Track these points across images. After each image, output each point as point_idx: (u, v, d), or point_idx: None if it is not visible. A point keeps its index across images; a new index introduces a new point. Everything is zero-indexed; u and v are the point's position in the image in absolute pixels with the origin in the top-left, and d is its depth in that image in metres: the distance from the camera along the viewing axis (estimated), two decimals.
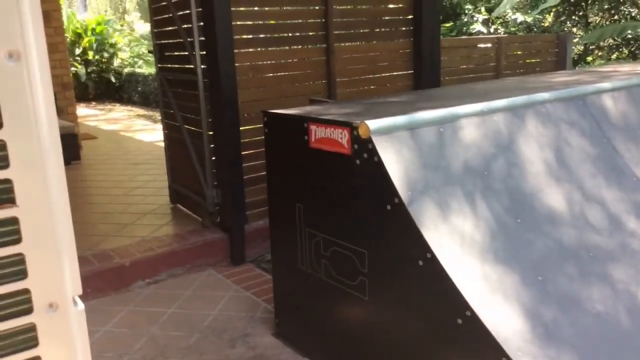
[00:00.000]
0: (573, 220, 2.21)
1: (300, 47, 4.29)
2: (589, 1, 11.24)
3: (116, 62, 13.71)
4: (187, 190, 4.38)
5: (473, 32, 11.43)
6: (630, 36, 10.26)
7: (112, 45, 13.64)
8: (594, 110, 2.74)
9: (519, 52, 7.00)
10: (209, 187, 3.92)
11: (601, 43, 10.75)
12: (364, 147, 2.09)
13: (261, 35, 4.09)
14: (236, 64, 3.81)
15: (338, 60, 4.41)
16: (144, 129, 9.20)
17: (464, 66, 6.37)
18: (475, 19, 11.82)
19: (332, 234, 2.37)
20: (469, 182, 2.12)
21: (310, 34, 4.31)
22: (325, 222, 2.42)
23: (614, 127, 2.75)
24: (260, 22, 4.09)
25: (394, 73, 4.82)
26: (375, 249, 2.16)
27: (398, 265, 2.06)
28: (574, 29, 11.68)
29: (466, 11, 12.00)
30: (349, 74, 4.54)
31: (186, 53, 3.98)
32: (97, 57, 13.22)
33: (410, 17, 4.76)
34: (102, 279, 3.43)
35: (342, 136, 2.21)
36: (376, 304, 2.21)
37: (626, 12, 11.18)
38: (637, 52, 10.54)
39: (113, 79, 13.31)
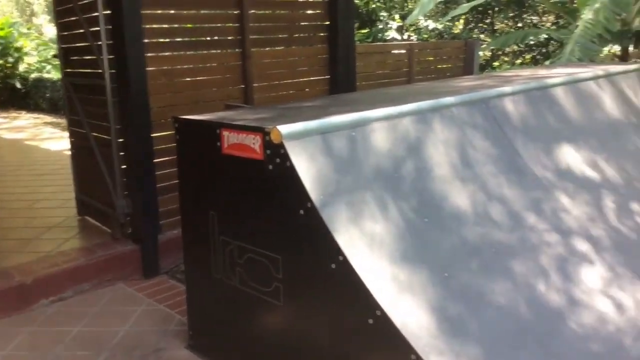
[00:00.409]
0: (477, 218, 2.31)
1: (217, 51, 4.21)
2: (496, 9, 11.92)
3: (22, 67, 12.85)
4: (95, 201, 4.16)
5: (387, 38, 11.75)
6: (532, 42, 10.97)
7: (18, 50, 12.78)
8: (496, 113, 2.88)
9: (430, 58, 7.30)
10: (118, 197, 3.75)
11: (506, 49, 11.42)
12: (276, 153, 2.07)
13: (177, 39, 3.97)
14: (149, 68, 3.68)
15: (255, 65, 4.37)
16: (51, 137, 8.67)
17: (379, 71, 6.54)
18: (389, 26, 12.16)
19: (246, 240, 2.33)
20: (379, 184, 2.16)
21: (229, 38, 4.24)
22: (239, 228, 2.38)
23: (515, 128, 2.91)
24: (176, 26, 3.98)
25: (312, 78, 4.86)
26: (289, 254, 2.15)
27: (311, 269, 2.06)
28: (482, 36, 12.35)
29: (381, 18, 12.33)
30: (267, 78, 4.52)
31: (94, 57, 3.80)
32: (0, 62, 12.35)
33: (326, 23, 4.81)
34: (1, 299, 3.17)
35: (254, 142, 2.19)
36: (291, 308, 2.19)
37: (528, 20, 11.96)
38: (538, 57, 11.29)
39: (18, 85, 12.45)
